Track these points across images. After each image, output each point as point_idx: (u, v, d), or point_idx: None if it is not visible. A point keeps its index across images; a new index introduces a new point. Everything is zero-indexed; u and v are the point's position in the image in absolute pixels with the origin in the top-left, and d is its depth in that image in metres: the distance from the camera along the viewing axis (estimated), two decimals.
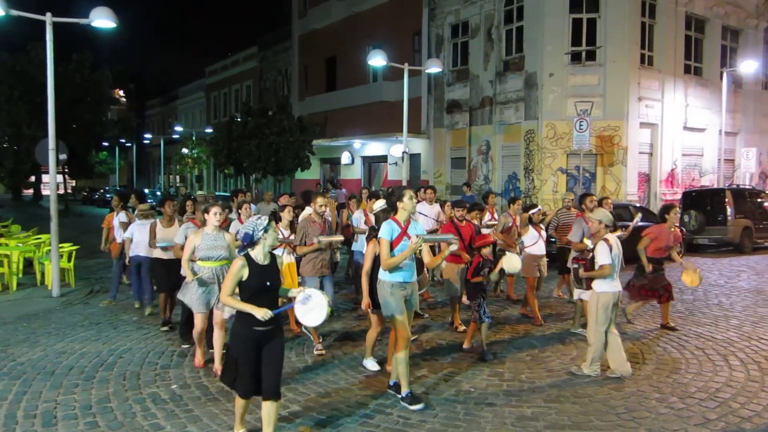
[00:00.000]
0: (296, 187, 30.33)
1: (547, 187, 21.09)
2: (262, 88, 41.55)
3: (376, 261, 6.20)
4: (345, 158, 31.37)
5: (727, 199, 17.65)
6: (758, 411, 5.62)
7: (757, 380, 6.46)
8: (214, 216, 6.66)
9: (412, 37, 26.95)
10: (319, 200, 7.73)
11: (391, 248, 5.82)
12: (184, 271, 6.76)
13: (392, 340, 6.29)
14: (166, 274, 8.47)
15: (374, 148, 29.54)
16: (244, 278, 4.64)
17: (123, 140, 55.84)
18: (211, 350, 6.99)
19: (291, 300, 4.96)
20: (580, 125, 18.24)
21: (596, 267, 6.64)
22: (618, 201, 18.07)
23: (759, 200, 19.39)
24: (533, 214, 9.41)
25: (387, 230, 5.88)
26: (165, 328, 8.53)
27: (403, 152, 17.66)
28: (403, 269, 5.88)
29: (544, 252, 9.38)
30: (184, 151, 48.58)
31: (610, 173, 21.02)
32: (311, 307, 4.78)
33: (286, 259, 7.81)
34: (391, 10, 27.52)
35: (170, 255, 8.20)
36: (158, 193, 42.59)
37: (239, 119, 29.26)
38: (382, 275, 5.92)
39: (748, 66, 23.05)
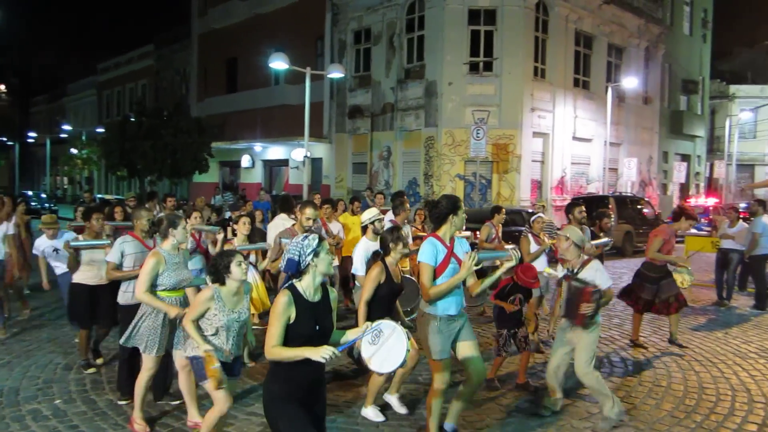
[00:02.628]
0: (194, 190, 29.52)
1: (445, 192, 21.60)
2: (158, 87, 40.15)
3: (377, 290, 5.36)
4: (245, 161, 30.85)
5: (610, 206, 18.76)
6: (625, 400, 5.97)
7: (635, 376, 6.90)
8: (183, 231, 5.31)
9: (315, 42, 26.91)
10: (308, 211, 6.44)
11: (436, 275, 4.66)
12: (146, 305, 5.24)
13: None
14: (89, 304, 6.69)
15: (275, 151, 29.24)
16: (291, 321, 3.42)
17: (4, 138, 52.27)
18: (174, 402, 5.80)
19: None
20: (477, 133, 18.85)
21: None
22: (512, 206, 18.83)
23: (639, 207, 20.82)
24: (533, 221, 8.24)
25: (430, 252, 4.66)
26: (92, 371, 6.77)
27: (305, 156, 17.58)
28: (454, 297, 4.73)
29: (546, 265, 7.93)
30: (73, 151, 46.08)
31: (504, 180, 21.83)
32: (387, 346, 3.53)
33: (250, 278, 6.29)
34: (294, 13, 27.38)
35: (99, 279, 6.62)
36: (43, 196, 40.09)
37: (133, 119, 28.09)
38: (426, 307, 4.75)
39: (630, 82, 24.74)
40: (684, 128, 32.18)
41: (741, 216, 13.39)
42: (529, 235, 8.04)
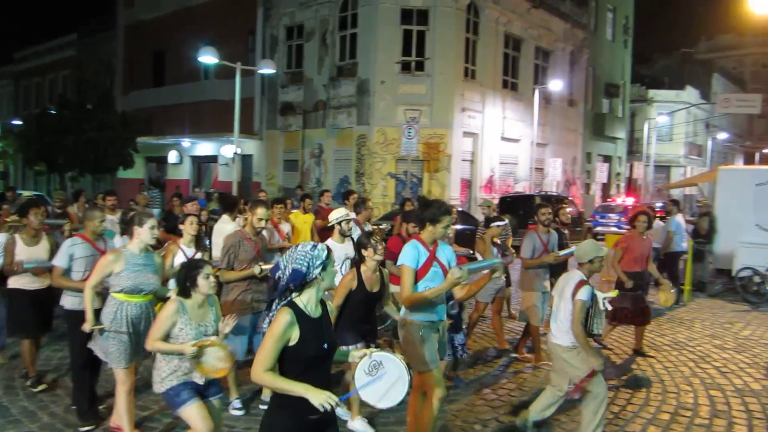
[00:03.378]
0: (119, 186, 28.54)
1: (377, 191, 21.74)
2: (81, 79, 38.53)
3: (349, 297, 5.10)
4: (172, 157, 30.07)
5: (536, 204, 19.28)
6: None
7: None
8: (150, 231, 4.83)
9: (246, 37, 26.50)
10: (260, 211, 5.79)
11: (417, 278, 4.52)
12: (87, 308, 4.80)
13: (414, 401, 4.72)
14: (32, 311, 6.06)
15: (204, 147, 28.65)
16: (292, 342, 3.00)
17: None
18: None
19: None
20: (409, 132, 19.04)
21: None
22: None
23: (564, 205, 21.42)
24: (495, 227, 7.86)
25: (411, 255, 4.53)
26: (40, 387, 6.03)
27: (234, 153, 17.32)
28: (438, 303, 4.61)
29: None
30: None
31: (435, 179, 22.13)
32: (386, 381, 3.22)
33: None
34: (224, 7, 26.85)
35: (40, 283, 6.02)
36: None
37: (54, 111, 26.90)
38: (409, 314, 4.58)
39: (556, 84, 25.52)
40: (606, 130, 33.46)
41: (657, 215, 14.12)
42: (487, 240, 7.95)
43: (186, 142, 29.06)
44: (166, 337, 4.06)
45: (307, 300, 3.10)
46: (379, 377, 3.20)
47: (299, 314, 3.04)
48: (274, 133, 25.62)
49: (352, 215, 8.01)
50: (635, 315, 7.65)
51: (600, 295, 4.97)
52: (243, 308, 5.58)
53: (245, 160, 25.82)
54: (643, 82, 42.19)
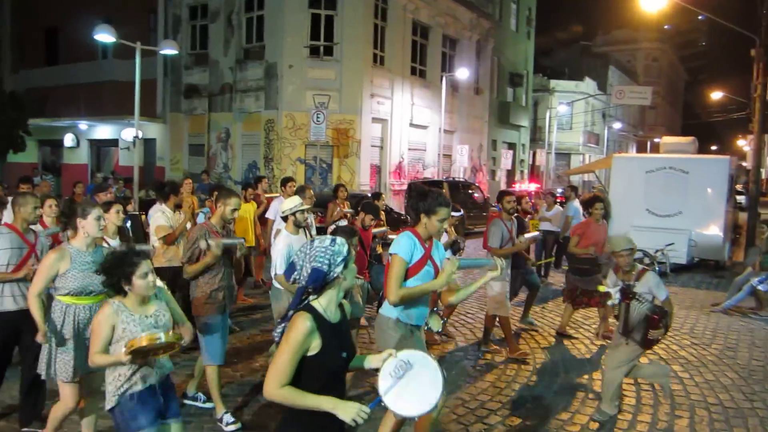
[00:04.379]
0: (9, 171, 26.78)
1: (288, 175, 21.45)
2: None
3: None
4: (68, 140, 28.46)
5: (444, 190, 19.65)
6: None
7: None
8: (97, 223, 4.21)
9: (147, 15, 25.36)
10: (233, 201, 5.21)
11: (407, 275, 4.05)
12: (37, 317, 4.16)
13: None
14: None
15: (104, 131, 27.30)
16: (312, 352, 2.64)
17: None
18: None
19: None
20: (318, 117, 18.89)
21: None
22: (353, 191, 19.11)
23: (470, 191, 22.07)
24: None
25: (407, 246, 4.03)
26: None
27: (135, 137, 16.61)
28: (421, 306, 4.16)
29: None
30: None
31: (345, 164, 22.12)
32: (416, 384, 2.73)
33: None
34: None
35: None
36: None
37: None
38: (388, 310, 4.14)
39: (462, 73, 26.04)
40: (510, 118, 34.54)
41: (558, 200, 14.74)
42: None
43: (83, 125, 27.57)
44: (108, 345, 3.48)
45: (327, 303, 2.75)
46: (408, 380, 2.73)
47: (319, 320, 2.67)
48: (179, 117, 24.77)
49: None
50: (593, 297, 7.58)
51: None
52: (214, 307, 5.04)
53: (148, 144, 24.85)
54: (545, 73, 43.80)
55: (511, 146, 35.81)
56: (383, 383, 2.72)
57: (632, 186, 13.70)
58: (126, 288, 3.44)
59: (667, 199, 13.19)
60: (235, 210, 5.24)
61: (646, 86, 39.11)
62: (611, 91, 39.41)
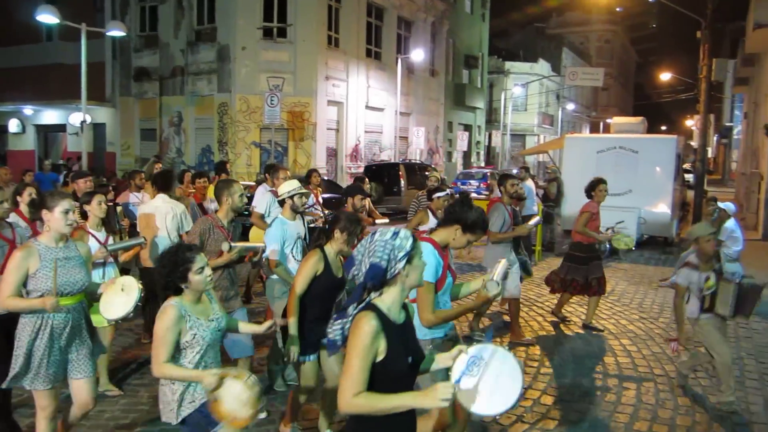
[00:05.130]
0: None
1: (242, 160, 21.24)
2: None
3: (313, 284, 4.24)
4: (13, 126, 27.49)
5: (401, 173, 19.74)
6: None
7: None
8: (64, 217, 3.74)
9: None
10: (237, 187, 4.94)
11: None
12: (24, 326, 3.75)
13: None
14: None
15: (50, 115, 26.45)
16: (379, 357, 2.42)
17: None
18: None
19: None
20: (272, 100, 18.66)
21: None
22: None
23: (426, 173, 22.08)
24: (438, 198, 7.51)
25: (433, 267, 3.60)
26: None
27: (82, 122, 16.17)
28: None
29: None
30: None
31: (301, 148, 21.95)
32: (492, 378, 2.51)
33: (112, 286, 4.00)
34: None
35: None
36: None
37: None
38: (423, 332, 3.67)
39: (418, 54, 26.03)
40: (466, 100, 34.71)
41: None
42: (428, 211, 7.50)
43: (29, 110, 26.67)
44: (176, 350, 3.14)
45: (390, 302, 2.52)
46: (484, 376, 2.52)
47: (384, 320, 2.44)
48: (129, 100, 24.17)
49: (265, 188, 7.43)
50: (587, 286, 7.39)
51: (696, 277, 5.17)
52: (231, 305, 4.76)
53: (98, 128, 24.23)
54: (500, 55, 44.07)
55: (467, 128, 36.03)
56: (457, 382, 2.52)
57: (584, 166, 13.90)
58: (183, 286, 3.15)
59: (618, 178, 13.42)
60: (242, 196, 4.97)
61: (599, 68, 39.70)
62: (565, 72, 39.92)
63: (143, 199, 7.33)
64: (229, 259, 4.72)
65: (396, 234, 2.51)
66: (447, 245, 3.80)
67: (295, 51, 21.58)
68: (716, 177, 46.60)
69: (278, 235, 5.01)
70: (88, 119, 16.68)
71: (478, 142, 38.48)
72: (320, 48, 22.08)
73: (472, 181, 25.17)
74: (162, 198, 6.20)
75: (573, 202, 13.54)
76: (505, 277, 3.64)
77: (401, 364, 2.48)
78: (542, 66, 45.43)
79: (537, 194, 13.61)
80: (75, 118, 22.00)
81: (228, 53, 21.29)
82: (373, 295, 2.51)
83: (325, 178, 19.61)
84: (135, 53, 23.83)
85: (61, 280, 3.69)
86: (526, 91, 42.36)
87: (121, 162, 23.90)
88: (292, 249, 5.08)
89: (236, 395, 2.95)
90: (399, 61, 25.38)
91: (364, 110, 25.16)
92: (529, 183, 12.59)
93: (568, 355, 6.58)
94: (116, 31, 16.40)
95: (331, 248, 4.30)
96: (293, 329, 4.10)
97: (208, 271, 3.20)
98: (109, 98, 24.47)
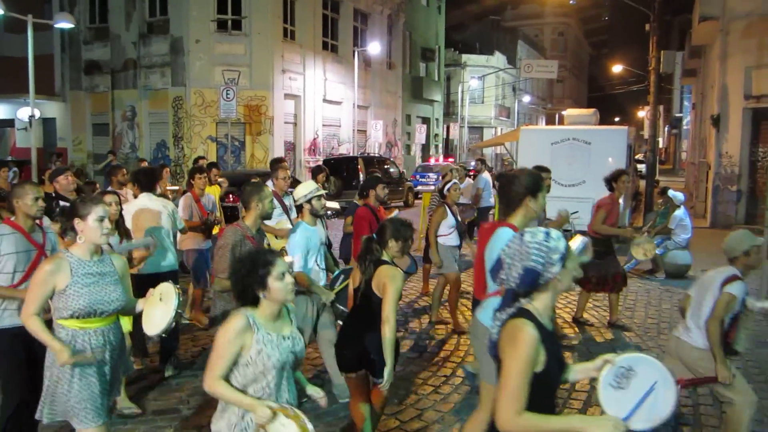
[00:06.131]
0: None
1: (198, 155, 20.88)
2: None
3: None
4: None
5: (359, 166, 19.75)
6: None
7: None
8: (99, 226, 3.33)
9: None
10: (268, 193, 4.59)
11: None
12: (46, 339, 3.29)
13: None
14: None
15: None
16: (538, 368, 2.23)
17: None
18: None
19: None
20: (227, 94, 18.44)
21: None
22: (266, 169, 18.86)
23: (386, 166, 22.16)
24: (448, 189, 7.32)
25: None
26: None
27: (30, 116, 15.71)
28: None
29: (457, 242, 7.24)
30: None
31: (258, 142, 21.75)
32: (643, 389, 2.37)
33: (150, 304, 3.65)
34: None
35: None
36: None
37: None
38: (489, 320, 3.45)
39: (374, 47, 26.02)
40: (424, 93, 34.85)
41: (471, 173, 15.08)
42: (445, 206, 7.24)
43: None
44: (232, 368, 2.76)
45: (542, 309, 2.33)
46: (635, 389, 2.35)
47: (540, 329, 2.26)
48: (79, 94, 23.57)
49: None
50: (603, 282, 7.05)
51: (756, 304, 4.22)
52: None
53: (47, 123, 23.53)
54: (456, 47, 44.31)
55: (425, 121, 36.21)
56: (606, 396, 2.38)
57: (539, 157, 14.00)
58: (261, 295, 2.77)
59: (572, 169, 13.69)
60: (272, 201, 4.64)
61: (553, 60, 40.36)
62: (520, 65, 40.40)
63: (127, 198, 6.98)
64: None
65: (548, 235, 2.32)
66: (525, 225, 3.57)
67: (250, 44, 21.35)
68: (667, 167, 47.88)
69: (302, 243, 4.67)
70: (37, 114, 16.21)
71: (437, 135, 38.70)
72: (276, 41, 21.88)
73: (430, 174, 25.32)
74: (148, 197, 5.81)
75: None
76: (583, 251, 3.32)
77: (557, 375, 2.34)
78: (498, 59, 45.87)
79: (494, 186, 13.77)
80: (23, 113, 21.30)
81: (181, 46, 20.93)
82: (523, 301, 2.34)
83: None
84: (85, 46, 23.24)
85: (95, 298, 3.30)
86: (482, 83, 42.76)
87: (73, 158, 23.33)
88: (316, 257, 4.80)
89: None
90: (356, 54, 25.34)
91: (322, 103, 25.05)
92: (486, 175, 12.74)
93: None
94: (64, 23, 15.94)
95: (387, 257, 4.01)
96: (390, 357, 3.71)
97: (290, 278, 2.80)
98: (59, 92, 23.81)
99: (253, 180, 7.32)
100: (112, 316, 3.43)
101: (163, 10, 21.47)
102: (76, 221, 3.31)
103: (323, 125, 25.32)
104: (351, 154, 24.03)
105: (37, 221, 4.02)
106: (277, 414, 2.66)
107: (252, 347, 2.72)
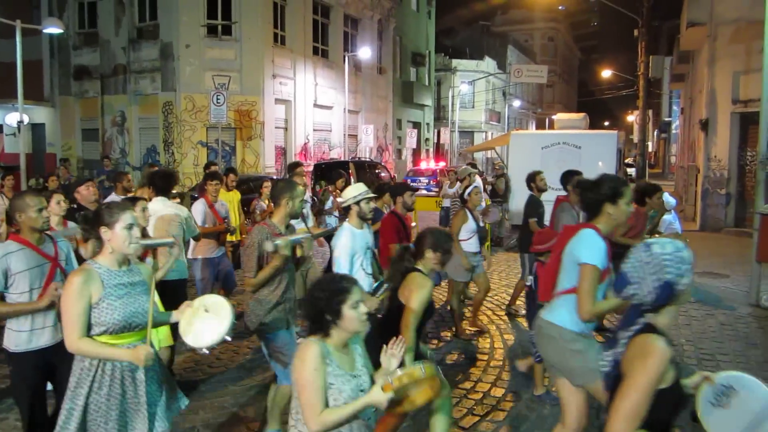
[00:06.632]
0: None
1: (188, 160, 20.88)
2: None
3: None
4: None
5: (351, 170, 19.72)
6: None
7: None
8: (128, 234, 3.13)
9: None
10: (300, 191, 4.43)
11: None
12: (110, 354, 3.06)
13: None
14: None
15: None
16: (664, 384, 2.19)
17: None
18: None
19: None
20: (218, 99, 18.38)
21: None
22: (257, 173, 18.87)
23: (377, 171, 22.20)
24: (469, 194, 7.16)
25: (602, 250, 3.39)
26: None
27: (19, 121, 15.62)
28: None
29: (477, 246, 7.17)
30: None
31: (249, 147, 21.71)
32: (746, 410, 2.30)
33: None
34: None
35: None
36: None
37: None
38: (564, 319, 3.49)
39: (365, 52, 26.05)
40: (414, 98, 34.92)
41: (461, 178, 15.09)
42: (466, 210, 7.10)
43: None
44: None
45: (665, 324, 2.26)
46: (737, 409, 2.27)
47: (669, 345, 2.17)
48: (69, 100, 23.46)
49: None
50: None
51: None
52: (273, 321, 4.23)
53: (36, 129, 23.44)
54: (446, 52, 44.46)
55: (416, 125, 36.27)
56: (706, 414, 2.33)
57: (529, 161, 14.15)
58: (334, 323, 2.60)
59: (562, 173, 13.71)
60: (303, 201, 4.48)
61: (543, 65, 40.57)
62: (510, 70, 40.57)
63: None
64: (285, 258, 4.12)
65: (677, 246, 2.25)
66: (608, 232, 3.51)
67: (240, 49, 21.33)
68: (657, 170, 48.11)
69: (349, 245, 4.52)
70: (26, 119, 16.10)
71: (427, 140, 38.77)
72: (266, 46, 21.87)
73: (421, 179, 25.36)
74: (162, 201, 5.62)
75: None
76: None
77: (678, 392, 2.27)
78: (488, 63, 46.05)
79: (485, 190, 13.82)
80: (12, 118, 21.22)
81: (171, 51, 20.87)
82: (648, 316, 2.26)
83: (274, 177, 19.47)
84: (74, 51, 23.15)
85: (130, 311, 3.07)
86: (473, 88, 42.88)
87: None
88: (362, 261, 4.62)
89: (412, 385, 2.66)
90: (346, 58, 25.36)
91: (313, 108, 25.04)
92: (477, 179, 12.76)
93: (516, 347, 6.71)
94: (53, 28, 15.86)
95: (423, 269, 3.90)
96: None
97: (364, 308, 2.65)
98: (48, 97, 23.70)
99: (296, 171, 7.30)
100: (143, 332, 3.17)
101: (153, 15, 21.41)
102: (103, 230, 3.10)
103: (314, 130, 25.30)
104: (342, 159, 24.00)
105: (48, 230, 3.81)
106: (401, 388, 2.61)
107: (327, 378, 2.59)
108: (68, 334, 2.97)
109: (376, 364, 3.02)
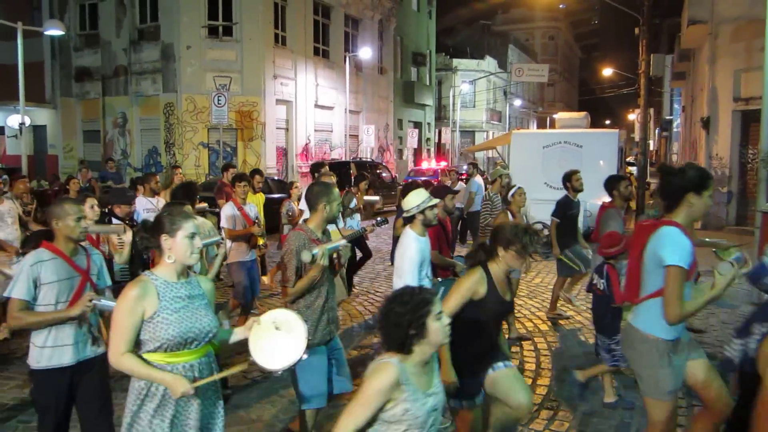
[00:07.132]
0: None
1: (190, 161, 20.90)
2: None
3: (469, 310, 3.62)
4: None
5: (351, 171, 19.74)
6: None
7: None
8: (189, 244, 2.94)
9: None
10: (336, 195, 4.19)
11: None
12: (149, 375, 2.86)
13: None
14: None
15: None
16: None
17: None
18: None
19: None
20: (219, 100, 18.41)
21: None
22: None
23: (378, 171, 22.23)
24: (513, 195, 7.05)
25: (686, 249, 3.17)
26: None
27: (21, 124, 15.67)
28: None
29: None
30: None
31: (250, 147, 21.73)
32: None
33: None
34: None
35: None
36: None
37: None
38: (650, 327, 3.32)
39: (365, 52, 26.08)
40: (415, 98, 34.92)
41: (462, 177, 15.13)
42: (508, 212, 6.99)
43: None
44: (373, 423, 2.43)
45: None
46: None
47: None
48: (70, 101, 23.50)
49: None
50: None
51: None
52: (319, 338, 4.00)
53: (38, 131, 23.48)
54: (447, 52, 44.43)
55: (417, 125, 36.24)
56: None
57: (531, 161, 14.20)
58: (415, 341, 2.41)
59: (563, 172, 13.71)
60: (340, 205, 4.25)
61: (544, 64, 40.52)
62: (511, 69, 40.53)
63: (158, 206, 6.77)
64: (322, 267, 3.90)
65: None
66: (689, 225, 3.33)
67: (241, 50, 21.34)
68: None
69: (417, 255, 4.34)
70: (27, 121, 16.18)
71: (428, 139, 38.75)
72: (267, 46, 21.89)
73: (423, 178, 25.32)
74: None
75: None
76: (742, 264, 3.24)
77: None
78: (489, 63, 46.03)
79: (486, 188, 13.79)
80: (13, 120, 21.25)
81: (172, 52, 20.90)
82: None
83: (275, 177, 19.49)
84: (75, 53, 23.19)
85: (187, 326, 2.86)
86: (473, 87, 42.86)
87: (64, 165, 23.23)
88: (424, 270, 4.47)
89: None
90: (347, 59, 25.38)
91: (314, 109, 25.05)
92: (478, 179, 12.78)
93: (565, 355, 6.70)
94: (54, 30, 15.95)
95: (497, 267, 3.66)
96: (448, 365, 3.45)
97: (446, 320, 2.49)
98: (50, 99, 23.73)
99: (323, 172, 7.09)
100: (204, 348, 2.95)
101: (154, 17, 21.44)
102: (164, 238, 2.90)
103: (315, 130, 25.32)
104: (343, 159, 24.01)
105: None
106: None
107: (399, 405, 2.40)
108: (113, 347, 2.81)
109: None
